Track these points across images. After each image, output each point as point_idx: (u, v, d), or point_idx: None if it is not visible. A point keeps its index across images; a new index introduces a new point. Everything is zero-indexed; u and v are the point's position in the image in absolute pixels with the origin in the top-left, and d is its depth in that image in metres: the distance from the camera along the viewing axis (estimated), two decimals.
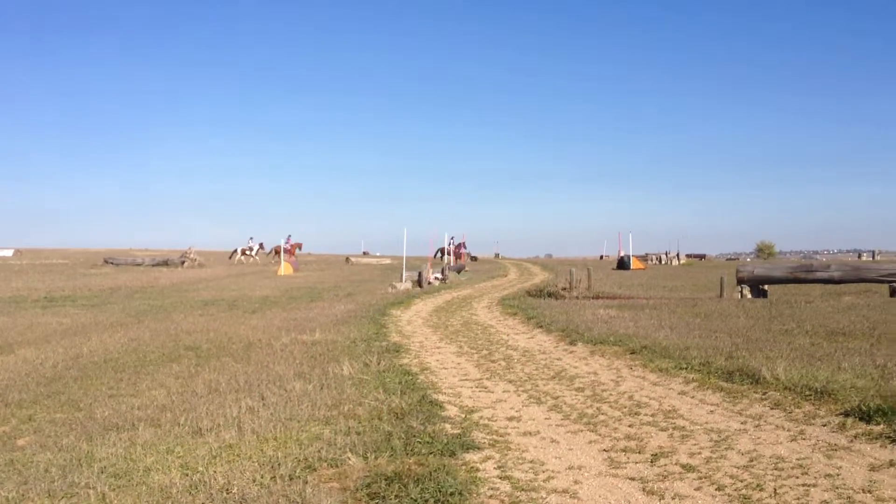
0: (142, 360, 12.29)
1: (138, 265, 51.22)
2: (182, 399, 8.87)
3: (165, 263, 50.87)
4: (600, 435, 6.90)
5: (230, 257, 58.08)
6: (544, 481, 5.62)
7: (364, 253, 73.81)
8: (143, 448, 6.67)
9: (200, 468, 5.90)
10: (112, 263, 51.95)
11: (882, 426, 6.43)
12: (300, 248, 60.17)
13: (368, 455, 6.04)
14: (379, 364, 10.46)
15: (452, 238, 58.76)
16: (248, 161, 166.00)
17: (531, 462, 6.09)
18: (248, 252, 58.12)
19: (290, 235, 59.26)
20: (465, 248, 59.22)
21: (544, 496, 5.33)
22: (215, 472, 5.76)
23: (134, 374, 11.05)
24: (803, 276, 22.43)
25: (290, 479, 5.57)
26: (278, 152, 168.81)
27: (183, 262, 50.02)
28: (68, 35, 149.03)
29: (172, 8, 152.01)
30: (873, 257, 66.97)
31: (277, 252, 57.97)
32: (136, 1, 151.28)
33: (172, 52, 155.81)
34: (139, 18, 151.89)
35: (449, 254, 56.37)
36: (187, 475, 5.76)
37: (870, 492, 5.13)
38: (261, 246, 59.87)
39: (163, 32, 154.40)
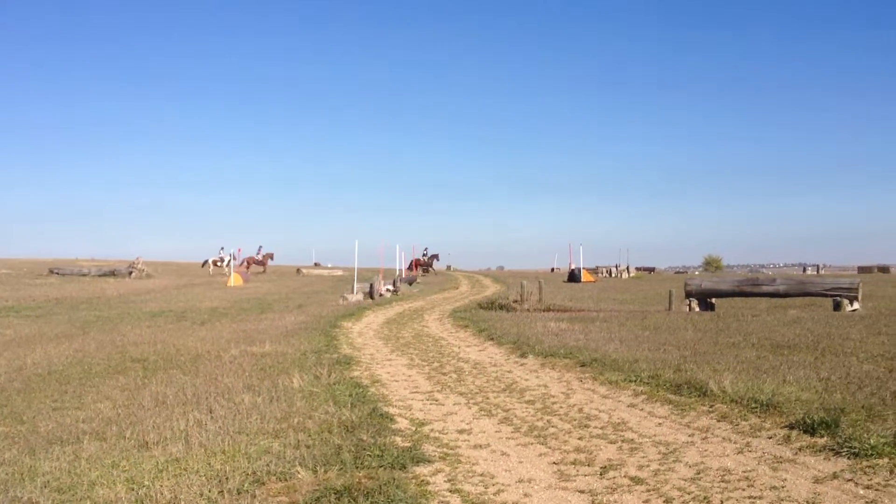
0: (87, 372, 12.08)
1: (84, 275, 50.29)
2: (128, 412, 8.74)
3: (112, 274, 50.03)
4: (550, 448, 6.93)
5: (202, 266, 57.32)
6: (494, 494, 5.63)
7: (316, 264, 73.41)
8: (88, 462, 6.56)
9: (146, 482, 5.82)
10: (58, 274, 50.93)
11: (826, 439, 6.54)
12: (272, 259, 59.61)
13: (318, 469, 6.01)
14: (329, 376, 10.41)
15: (426, 249, 59.08)
16: (196, 171, 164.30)
17: (481, 475, 6.10)
18: (219, 263, 57.52)
19: (261, 246, 59.32)
20: (437, 259, 59.72)
21: None
22: (162, 486, 5.68)
23: (79, 386, 10.86)
24: (750, 289, 22.79)
25: (239, 493, 5.52)
26: (226, 162, 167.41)
27: (130, 273, 49.25)
28: (7, 44, 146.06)
29: (118, 16, 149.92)
30: (818, 271, 68.33)
31: (250, 263, 57.57)
32: (75, 7, 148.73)
33: (119, 61, 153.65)
34: (82, 25, 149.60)
35: (422, 265, 56.74)
36: (133, 490, 5.68)
37: None
38: (232, 256, 59.32)
39: (108, 41, 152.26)
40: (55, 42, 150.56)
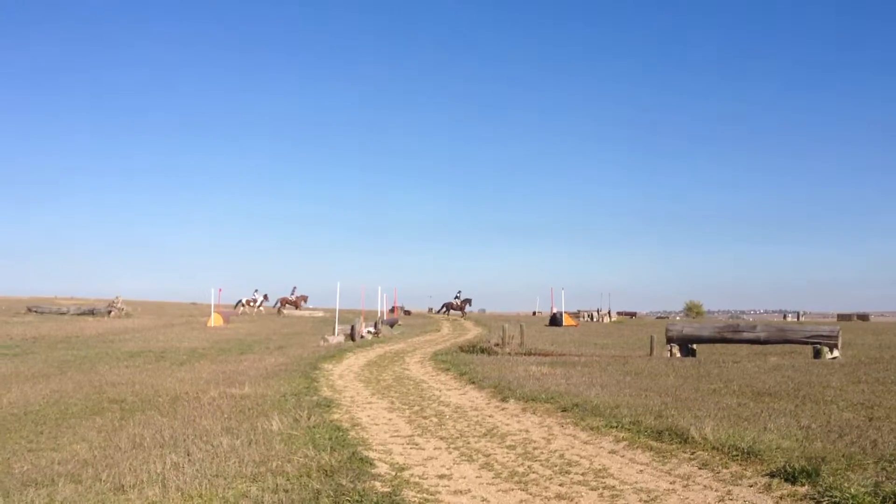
0: (64, 412, 11.94)
1: (63, 314, 49.94)
2: (105, 454, 8.63)
3: (91, 313, 49.72)
4: (531, 494, 6.88)
5: (235, 307, 57.08)
6: None
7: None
8: None
9: None
10: (36, 312, 50.56)
11: (807, 487, 6.53)
12: (305, 301, 59.25)
13: None
14: (309, 419, 10.33)
15: (459, 293, 59.22)
16: (176, 210, 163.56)
17: None
18: (251, 303, 57.37)
19: (295, 287, 59.35)
20: (470, 304, 59.63)
21: None
22: None
23: (55, 427, 10.73)
24: (731, 335, 22.84)
25: None
26: (207, 201, 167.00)
27: (110, 312, 48.97)
28: None
29: (82, 48, 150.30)
30: (798, 318, 68.61)
31: (284, 303, 57.48)
32: (47, 39, 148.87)
33: (94, 95, 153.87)
34: (53, 58, 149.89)
35: (455, 308, 56.75)
36: None
37: None
38: (265, 297, 59.23)
39: (83, 72, 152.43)
40: (29, 74, 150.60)
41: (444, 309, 60.14)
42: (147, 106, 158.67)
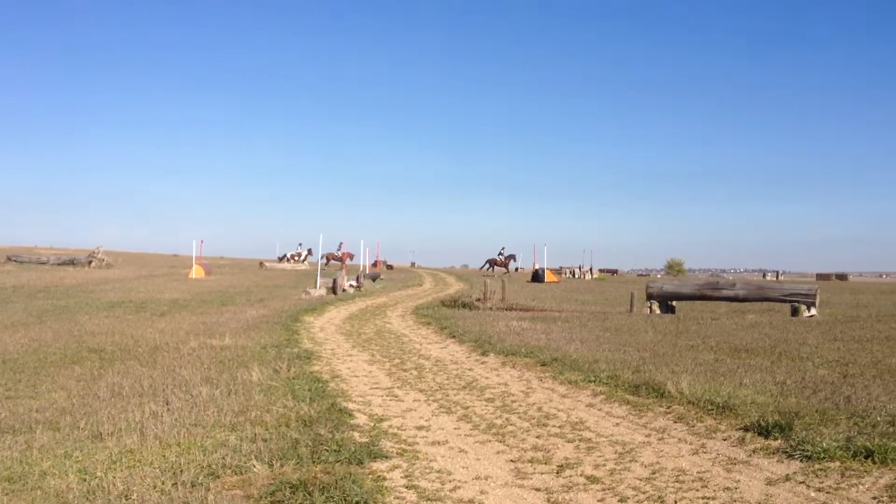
0: (42, 361, 11.90)
1: (43, 264, 49.64)
2: (83, 402, 8.62)
3: (72, 263, 49.42)
4: (508, 445, 6.94)
5: (279, 261, 56.78)
6: (450, 491, 5.62)
7: (279, 258, 73.04)
8: (40, 452, 6.47)
9: (99, 473, 5.74)
10: (15, 261, 50.19)
11: (780, 441, 6.61)
12: (351, 258, 57.80)
13: (274, 462, 5.97)
14: (289, 371, 10.35)
15: (503, 248, 59.04)
16: (159, 161, 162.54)
17: (438, 471, 6.09)
18: (296, 258, 57.10)
19: (342, 243, 57.68)
20: (514, 259, 59.04)
21: None
22: (114, 477, 5.61)
23: (33, 375, 10.69)
24: (710, 293, 23.02)
25: (193, 485, 5.46)
26: (191, 153, 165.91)
27: (90, 262, 48.69)
28: None
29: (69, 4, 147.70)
30: (777, 277, 69.24)
31: (329, 259, 56.97)
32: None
33: (81, 47, 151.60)
34: (37, 15, 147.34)
35: (500, 264, 56.26)
36: (85, 480, 5.61)
37: None
38: (309, 252, 58.83)
39: (68, 27, 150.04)
40: (13, 27, 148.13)
41: (488, 265, 59.80)
42: (127, 58, 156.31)
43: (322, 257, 57.17)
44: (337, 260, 57.19)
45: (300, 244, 58.97)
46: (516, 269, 58.79)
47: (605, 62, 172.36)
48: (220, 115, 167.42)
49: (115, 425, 7.29)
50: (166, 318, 18.84)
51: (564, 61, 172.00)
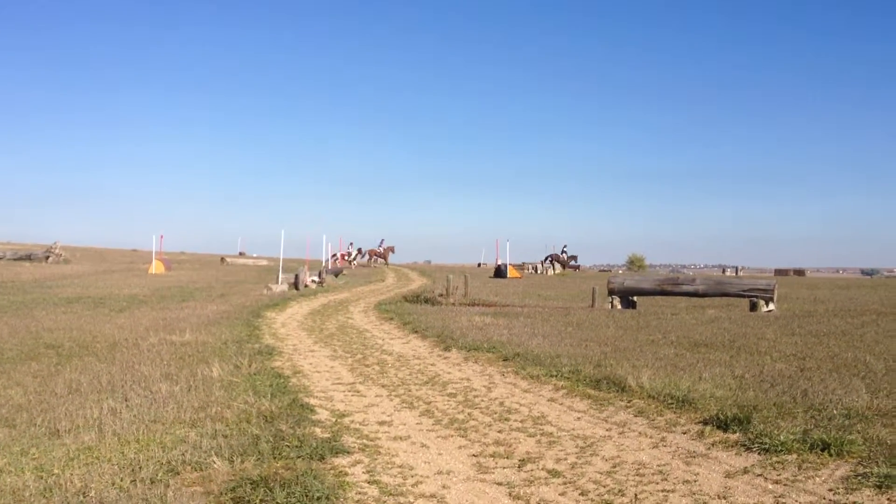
0: None
1: None
2: (40, 399, 8.50)
3: (28, 258, 48.65)
4: (470, 440, 6.96)
5: (332, 261, 56.49)
6: (412, 486, 5.62)
7: (240, 253, 72.46)
8: None
9: (56, 470, 5.67)
10: None
11: (738, 434, 6.69)
12: (393, 252, 60.17)
13: (235, 459, 5.92)
14: (250, 366, 10.28)
15: (565, 247, 60.29)
16: (118, 155, 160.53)
17: (400, 467, 6.09)
18: (346, 257, 56.90)
19: (382, 239, 60.52)
20: (575, 261, 61.04)
21: (412, 501, 5.34)
22: (72, 474, 5.54)
23: None
24: (670, 288, 23.21)
25: (152, 482, 5.41)
26: (150, 147, 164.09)
27: (48, 258, 47.95)
28: None
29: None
30: (736, 273, 69.87)
31: (372, 255, 57.48)
32: None
33: (36, 45, 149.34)
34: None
35: (561, 263, 56.93)
36: (42, 478, 5.53)
37: (725, 498, 5.34)
38: (359, 251, 58.91)
39: (22, 22, 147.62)
40: None
41: (549, 261, 60.33)
42: (84, 54, 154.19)
43: (365, 254, 57.86)
44: (380, 256, 58.13)
45: (350, 243, 59.31)
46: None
47: (566, 57, 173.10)
48: (180, 110, 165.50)
49: (73, 422, 7.20)
50: (125, 313, 18.62)
51: (528, 56, 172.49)
